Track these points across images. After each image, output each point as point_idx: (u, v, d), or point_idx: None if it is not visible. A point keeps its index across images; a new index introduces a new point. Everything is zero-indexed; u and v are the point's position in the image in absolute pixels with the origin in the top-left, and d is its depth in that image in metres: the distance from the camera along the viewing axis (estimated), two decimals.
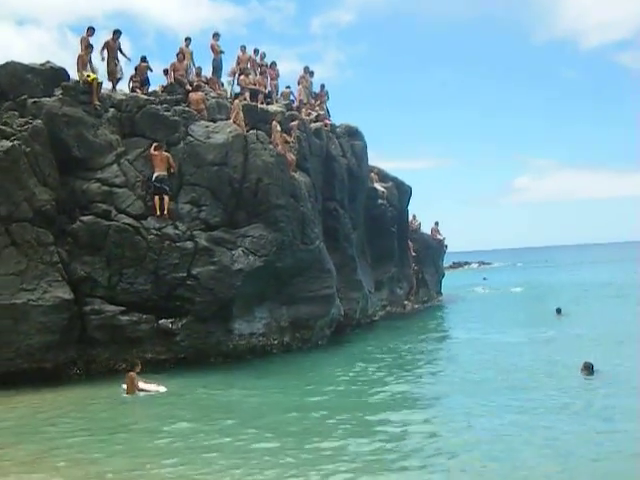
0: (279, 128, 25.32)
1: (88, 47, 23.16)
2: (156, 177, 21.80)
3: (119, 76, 24.57)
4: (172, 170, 22.24)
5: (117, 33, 24.41)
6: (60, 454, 12.79)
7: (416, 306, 42.27)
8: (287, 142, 25.41)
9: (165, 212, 21.65)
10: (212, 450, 12.62)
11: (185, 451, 12.67)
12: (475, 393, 17.01)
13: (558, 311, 35.37)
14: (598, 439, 12.72)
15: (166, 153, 22.22)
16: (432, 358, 23.83)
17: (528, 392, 17.05)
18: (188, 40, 27.58)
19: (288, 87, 31.60)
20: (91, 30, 23.60)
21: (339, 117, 37.44)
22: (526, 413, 14.95)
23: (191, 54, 27.31)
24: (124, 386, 17.71)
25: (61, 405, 17.06)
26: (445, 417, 15.17)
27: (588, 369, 18.32)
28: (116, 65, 24.29)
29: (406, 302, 41.27)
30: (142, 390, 17.63)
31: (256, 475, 11.14)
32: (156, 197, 21.70)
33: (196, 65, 27.52)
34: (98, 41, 23.95)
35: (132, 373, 17.88)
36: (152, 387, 17.83)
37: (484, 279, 69.64)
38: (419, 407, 16.19)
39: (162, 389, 17.81)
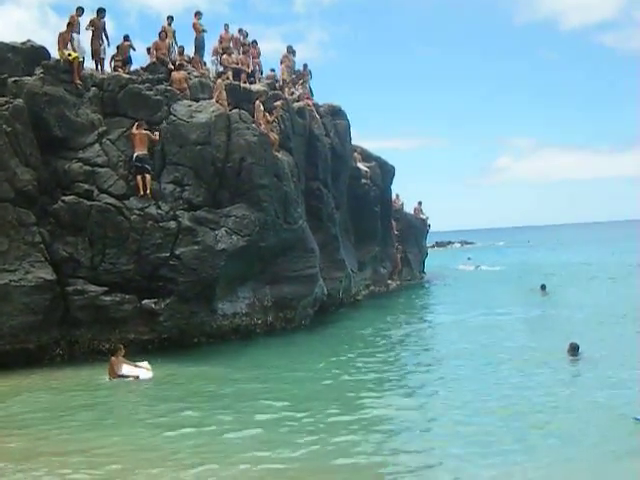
0: (262, 108, 25.23)
1: (71, 26, 22.93)
2: (136, 156, 21.68)
3: (102, 56, 24.42)
4: (155, 144, 22.20)
5: (102, 12, 24.25)
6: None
7: (398, 283, 42.47)
8: (270, 122, 25.33)
9: (147, 191, 21.55)
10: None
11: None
12: (458, 382, 17.08)
13: (543, 287, 35.61)
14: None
15: (145, 131, 22.10)
16: (413, 340, 23.89)
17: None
18: (170, 19, 27.37)
19: (272, 70, 31.48)
20: (80, 10, 23.44)
21: (322, 97, 37.30)
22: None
23: (173, 33, 27.08)
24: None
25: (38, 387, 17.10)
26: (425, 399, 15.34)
27: (574, 350, 18.37)
28: (100, 45, 24.15)
29: (389, 281, 41.40)
30: (123, 376, 17.50)
31: None
32: (138, 177, 21.58)
33: (179, 44, 27.34)
34: (82, 20, 23.72)
35: (113, 358, 17.84)
36: (137, 372, 17.74)
37: (468, 259, 69.82)
38: (401, 393, 16.13)
39: (148, 375, 17.68)
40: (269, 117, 25.47)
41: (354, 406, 14.38)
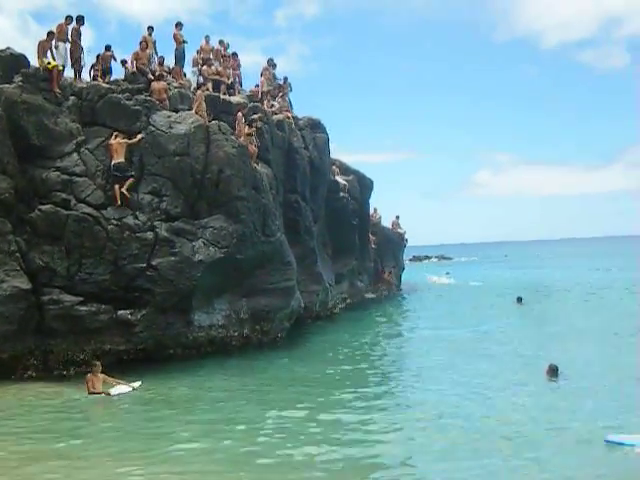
0: (244, 120, 25.26)
1: (52, 34, 22.87)
2: (114, 165, 21.64)
3: (82, 64, 24.41)
4: (137, 145, 22.19)
5: (81, 20, 24.20)
6: None
7: (373, 296, 42.59)
8: (249, 134, 25.34)
9: (126, 193, 21.48)
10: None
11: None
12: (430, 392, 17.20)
13: (519, 300, 35.76)
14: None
15: (123, 140, 22.06)
16: (388, 354, 23.99)
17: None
18: (151, 29, 27.38)
19: (257, 86, 31.57)
20: (70, 19, 23.76)
21: (302, 110, 37.47)
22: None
23: (154, 43, 27.11)
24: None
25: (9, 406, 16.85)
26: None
27: (553, 371, 18.37)
28: (81, 52, 24.15)
29: (366, 295, 41.49)
30: (102, 393, 17.43)
31: None
32: (116, 186, 21.51)
33: (159, 54, 27.33)
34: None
35: (90, 375, 17.72)
36: (119, 389, 17.68)
37: (447, 273, 70.06)
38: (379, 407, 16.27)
39: (125, 389, 17.66)
40: (248, 129, 25.48)
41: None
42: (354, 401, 16.55)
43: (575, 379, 18.08)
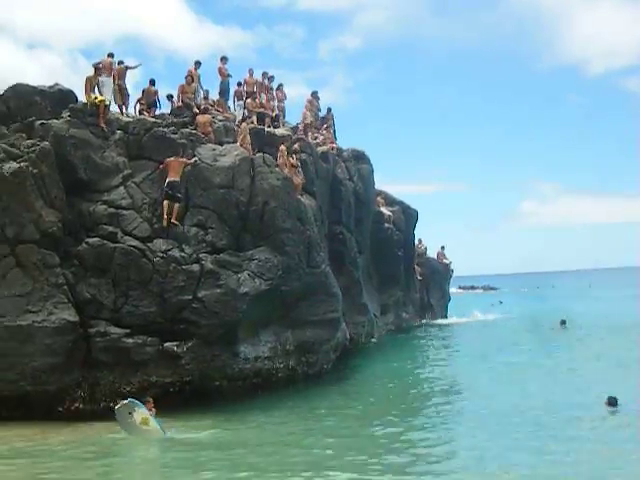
0: (286, 152, 25.34)
1: (98, 70, 23.33)
2: (168, 182, 21.80)
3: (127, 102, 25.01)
4: (191, 166, 22.42)
5: (122, 63, 25.24)
6: None
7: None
8: (294, 165, 25.41)
9: (173, 219, 21.63)
10: None
11: None
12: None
13: (563, 323, 35.12)
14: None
15: (182, 159, 22.31)
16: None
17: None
18: (198, 64, 27.71)
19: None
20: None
21: (346, 141, 37.61)
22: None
23: (199, 77, 27.41)
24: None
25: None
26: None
27: (612, 404, 18.10)
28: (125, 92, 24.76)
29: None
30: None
31: None
32: (165, 201, 21.70)
33: (204, 88, 27.62)
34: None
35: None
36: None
37: (500, 302, 69.09)
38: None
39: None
40: (293, 161, 25.54)
41: None
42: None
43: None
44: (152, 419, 17.11)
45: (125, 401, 16.88)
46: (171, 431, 17.37)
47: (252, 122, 27.31)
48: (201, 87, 27.46)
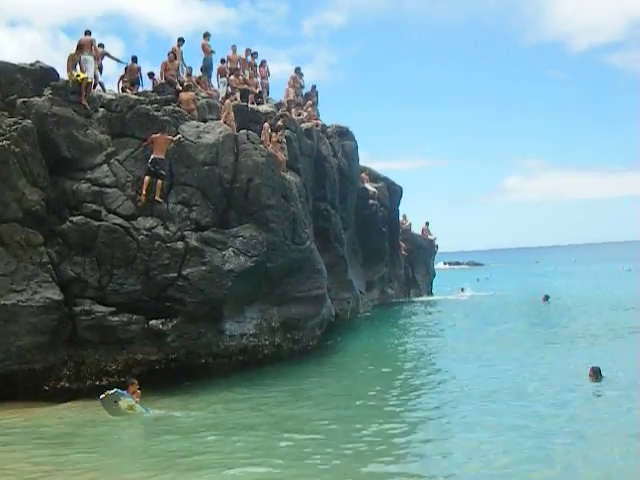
0: (270, 129, 25.27)
1: (80, 48, 23.18)
2: (153, 158, 21.76)
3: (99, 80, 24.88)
4: (176, 143, 22.37)
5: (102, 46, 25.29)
6: None
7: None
8: (278, 141, 25.35)
9: (157, 196, 21.59)
10: None
11: None
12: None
13: (546, 298, 35.33)
14: None
15: (169, 136, 22.26)
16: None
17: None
18: (181, 41, 27.52)
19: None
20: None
21: (330, 118, 37.53)
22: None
23: (182, 54, 27.24)
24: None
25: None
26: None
27: (596, 374, 18.32)
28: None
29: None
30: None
31: None
32: (146, 178, 21.62)
33: (187, 65, 27.46)
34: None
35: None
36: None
37: (486, 278, 69.43)
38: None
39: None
40: (277, 136, 25.47)
41: None
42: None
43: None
44: (138, 405, 17.13)
45: (110, 392, 16.81)
46: (155, 412, 17.41)
47: (235, 99, 27.23)
48: (184, 64, 27.29)
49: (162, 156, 21.83)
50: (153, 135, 22.07)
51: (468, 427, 14.92)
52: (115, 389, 16.96)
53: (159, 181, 21.68)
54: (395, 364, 23.91)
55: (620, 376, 18.77)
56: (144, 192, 21.45)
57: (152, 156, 21.77)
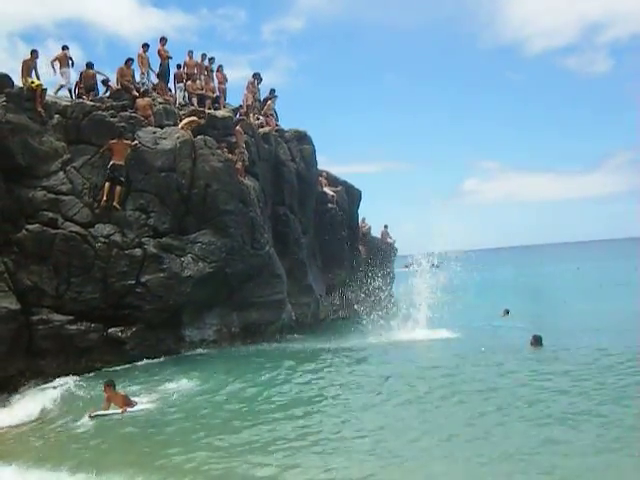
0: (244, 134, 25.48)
1: (35, 54, 23.12)
2: (112, 164, 21.77)
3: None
4: (135, 149, 22.44)
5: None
6: None
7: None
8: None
9: (116, 202, 21.48)
10: None
11: None
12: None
13: (506, 312, 35.40)
14: None
15: (127, 141, 22.21)
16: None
17: None
18: (146, 46, 27.27)
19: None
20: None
21: (289, 122, 37.34)
22: None
23: (148, 60, 27.13)
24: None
25: None
26: None
27: (537, 342, 19.36)
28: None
29: (355, 306, 41.38)
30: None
31: None
32: (107, 184, 21.59)
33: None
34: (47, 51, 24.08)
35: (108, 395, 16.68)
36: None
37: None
38: None
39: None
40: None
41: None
42: None
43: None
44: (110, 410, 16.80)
45: (98, 412, 16.35)
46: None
47: (192, 104, 27.16)
48: (151, 69, 27.22)
49: (121, 162, 21.78)
50: (111, 141, 22.00)
51: None
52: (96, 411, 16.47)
53: (118, 187, 21.59)
54: None
55: None
56: (104, 198, 21.36)
57: (111, 162, 21.69)
